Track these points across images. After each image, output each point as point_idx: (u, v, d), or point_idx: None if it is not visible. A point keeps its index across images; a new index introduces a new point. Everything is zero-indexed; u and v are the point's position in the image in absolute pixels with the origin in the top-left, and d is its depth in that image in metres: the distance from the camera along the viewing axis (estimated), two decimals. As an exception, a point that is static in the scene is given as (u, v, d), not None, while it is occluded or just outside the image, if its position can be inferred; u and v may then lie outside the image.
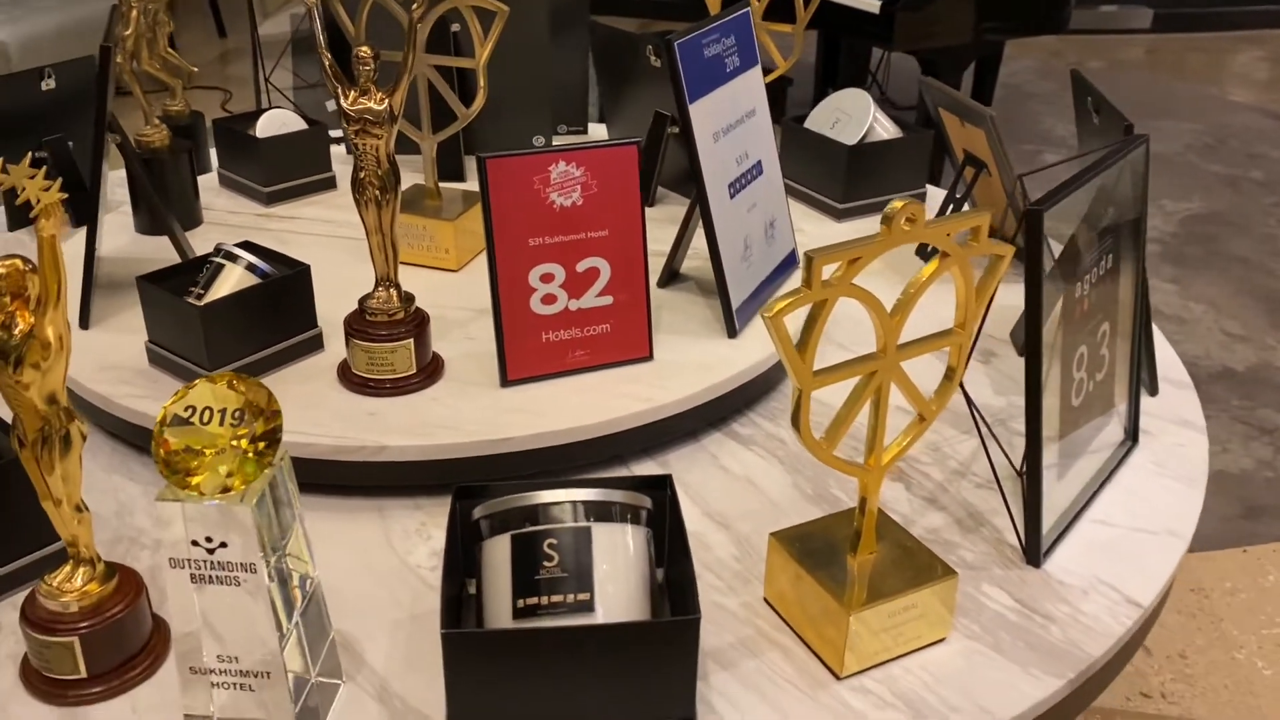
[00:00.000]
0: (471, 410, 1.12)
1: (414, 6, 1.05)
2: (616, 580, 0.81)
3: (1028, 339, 0.95)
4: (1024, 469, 1.00)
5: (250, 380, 0.75)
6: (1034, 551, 1.01)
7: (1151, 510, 1.10)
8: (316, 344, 1.20)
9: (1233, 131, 4.80)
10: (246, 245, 1.21)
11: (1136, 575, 1.01)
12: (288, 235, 1.51)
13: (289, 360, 1.18)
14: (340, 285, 1.24)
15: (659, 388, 1.16)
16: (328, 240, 1.49)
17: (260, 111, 1.61)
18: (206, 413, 0.73)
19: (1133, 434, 1.19)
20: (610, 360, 1.19)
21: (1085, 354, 1.04)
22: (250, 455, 0.73)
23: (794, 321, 0.76)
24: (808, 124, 1.82)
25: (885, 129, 1.79)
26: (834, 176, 1.72)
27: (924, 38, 3.42)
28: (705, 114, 1.21)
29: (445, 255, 1.40)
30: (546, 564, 0.79)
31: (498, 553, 0.81)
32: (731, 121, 1.27)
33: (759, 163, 1.33)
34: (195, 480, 0.72)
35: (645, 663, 0.78)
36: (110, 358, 1.20)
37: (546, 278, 1.14)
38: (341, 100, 1.04)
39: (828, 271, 0.78)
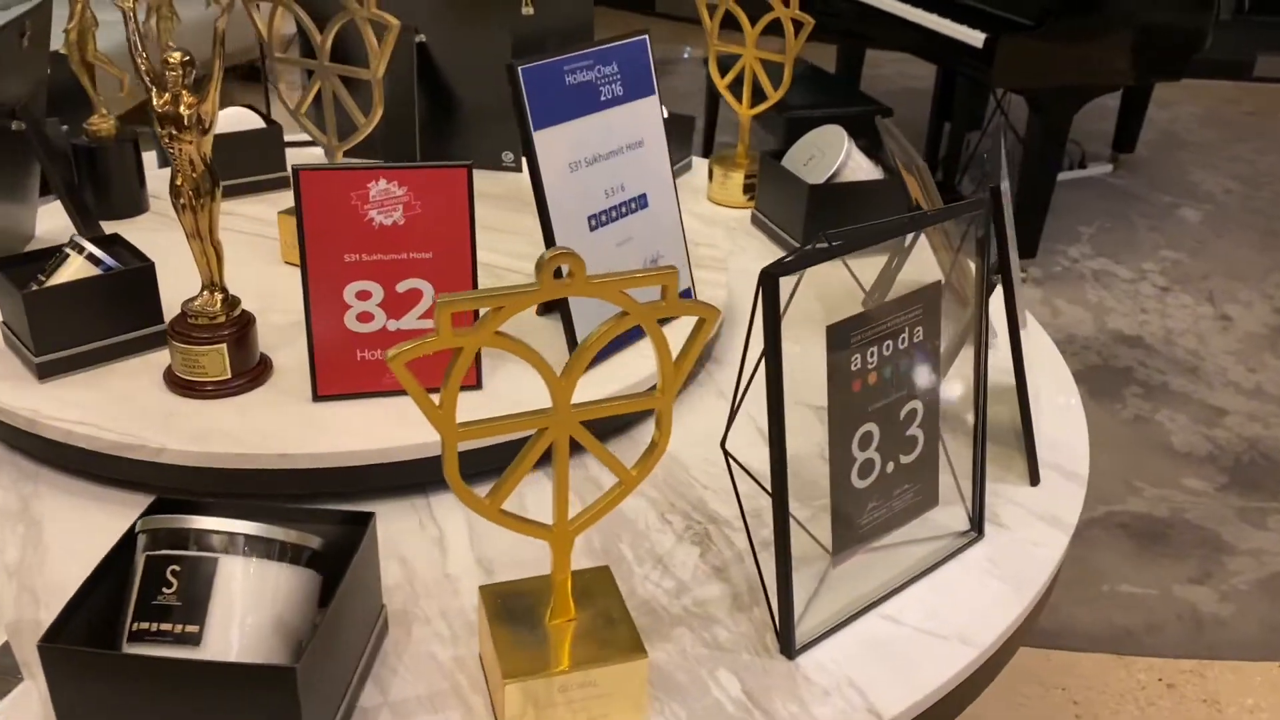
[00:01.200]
0: (271, 422, 1.11)
1: (218, 12, 1.05)
2: (242, 617, 0.78)
3: (769, 410, 0.87)
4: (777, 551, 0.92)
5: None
6: (786, 641, 0.93)
7: (954, 612, 0.99)
8: (161, 340, 1.22)
9: (1407, 199, 4.36)
10: (109, 239, 1.24)
11: (895, 683, 0.91)
12: (216, 231, 1.54)
13: (129, 354, 1.20)
14: (242, 286, 1.23)
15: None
16: (251, 239, 1.52)
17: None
18: None
19: (977, 525, 1.08)
20: (433, 386, 1.16)
21: (876, 433, 0.95)
22: None
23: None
24: (785, 159, 1.74)
25: (863, 170, 1.69)
26: (796, 215, 1.65)
27: (1027, 75, 3.23)
28: (559, 142, 1.17)
29: (339, 263, 1.40)
30: (165, 590, 0.77)
31: (136, 572, 0.80)
32: (602, 152, 1.22)
33: (642, 196, 1.27)
34: None
35: (246, 707, 0.75)
36: (-16, 336, 1.25)
37: (363, 295, 1.12)
38: (154, 102, 1.05)
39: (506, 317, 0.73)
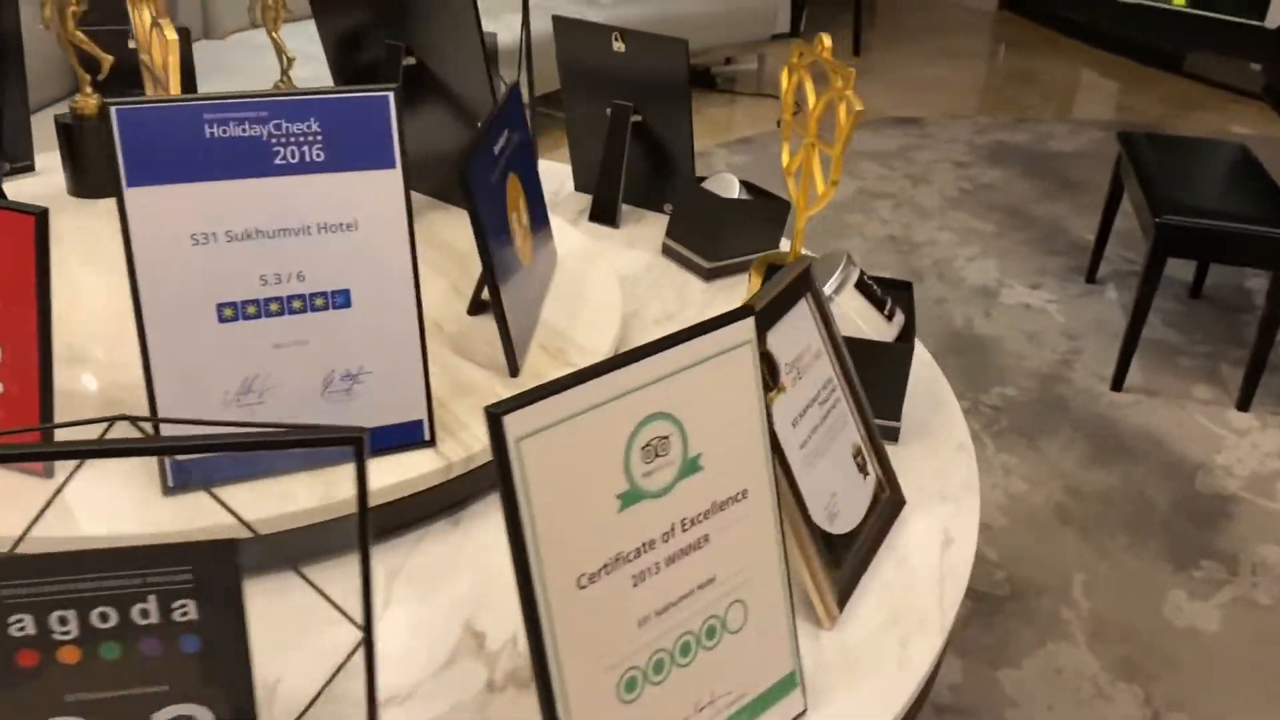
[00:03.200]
0: None
1: None
2: None
3: None
4: None
5: None
6: None
7: None
8: None
9: None
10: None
11: None
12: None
13: None
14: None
15: None
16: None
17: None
18: None
19: None
20: (-2, 458, 0.98)
21: (81, 736, 0.61)
22: None
23: None
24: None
25: (857, 314, 1.21)
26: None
27: None
28: (172, 205, 0.91)
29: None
30: None
31: None
32: (264, 228, 0.94)
33: (342, 293, 0.98)
34: None
35: None
36: None
37: (-67, 338, 0.97)
38: None
39: None
